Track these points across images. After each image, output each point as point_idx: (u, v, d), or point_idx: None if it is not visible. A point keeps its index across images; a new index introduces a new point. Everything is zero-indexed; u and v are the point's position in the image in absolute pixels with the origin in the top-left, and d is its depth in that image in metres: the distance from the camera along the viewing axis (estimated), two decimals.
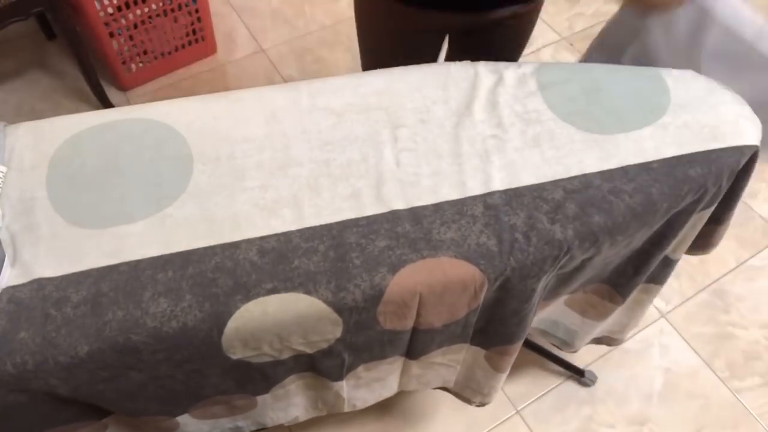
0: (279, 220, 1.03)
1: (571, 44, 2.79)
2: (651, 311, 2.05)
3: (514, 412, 1.85)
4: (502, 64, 1.25)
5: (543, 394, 1.89)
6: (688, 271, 2.15)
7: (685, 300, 2.09)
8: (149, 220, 1.02)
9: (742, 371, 1.95)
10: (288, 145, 1.12)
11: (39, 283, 0.95)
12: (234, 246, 1.00)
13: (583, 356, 1.92)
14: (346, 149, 1.12)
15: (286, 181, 1.08)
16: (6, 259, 0.97)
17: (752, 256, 2.19)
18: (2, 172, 1.06)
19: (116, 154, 1.09)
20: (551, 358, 1.92)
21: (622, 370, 1.94)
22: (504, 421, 1.84)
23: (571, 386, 1.90)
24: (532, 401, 1.88)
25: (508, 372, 1.34)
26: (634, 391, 1.91)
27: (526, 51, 2.75)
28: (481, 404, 1.45)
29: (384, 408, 1.83)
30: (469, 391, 1.42)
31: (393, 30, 1.41)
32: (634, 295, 1.38)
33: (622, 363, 1.95)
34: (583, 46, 2.78)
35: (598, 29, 2.80)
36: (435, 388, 1.43)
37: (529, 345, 1.88)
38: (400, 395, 1.84)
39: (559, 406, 1.87)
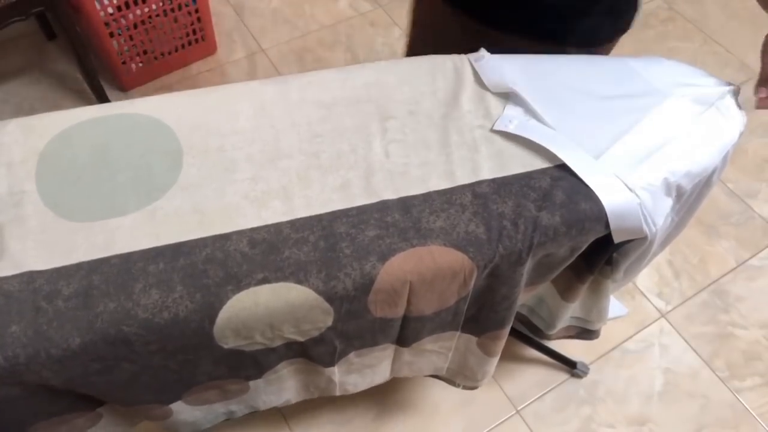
0: (269, 212, 1.04)
1: None
2: (651, 311, 2.05)
3: (514, 412, 1.85)
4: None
5: (543, 394, 1.89)
6: (688, 271, 2.14)
7: (685, 300, 2.08)
8: (140, 213, 1.03)
9: (742, 371, 1.95)
10: (278, 138, 1.13)
11: (29, 276, 0.95)
12: (224, 237, 1.01)
13: (583, 356, 1.92)
14: (335, 141, 1.13)
15: (276, 173, 1.08)
16: None
17: (752, 256, 2.18)
18: None
19: (106, 148, 1.10)
20: (543, 351, 1.92)
21: (622, 370, 1.94)
22: (504, 421, 1.84)
23: (571, 386, 1.90)
24: (532, 401, 1.87)
25: (499, 356, 1.34)
26: (634, 391, 1.91)
27: None
28: (468, 388, 1.46)
29: (383, 408, 1.84)
30: (462, 377, 1.42)
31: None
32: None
33: (622, 363, 1.95)
34: None
35: None
36: (427, 376, 1.43)
37: (522, 338, 1.88)
38: (400, 395, 1.84)
39: (559, 406, 1.87)
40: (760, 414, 1.87)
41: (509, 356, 1.90)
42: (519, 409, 1.86)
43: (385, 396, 1.84)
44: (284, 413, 1.80)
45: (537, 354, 1.93)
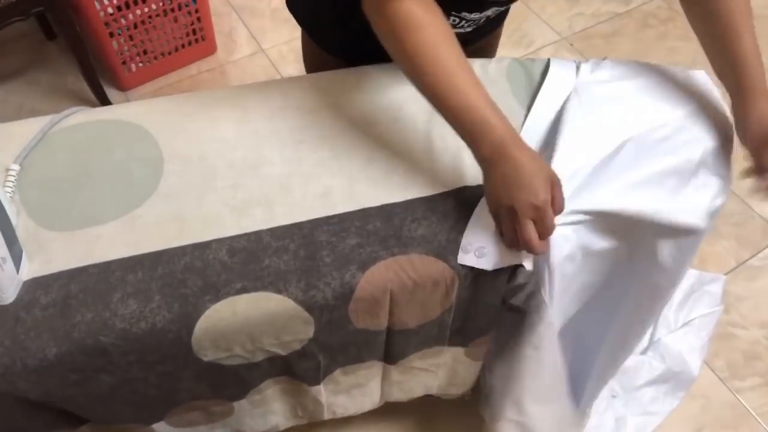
0: (250, 220, 1.03)
1: (571, 44, 2.77)
2: None
3: None
4: (472, 61, 1.24)
5: None
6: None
7: None
8: (119, 221, 1.02)
9: (742, 371, 1.93)
10: (260, 145, 1.12)
11: None
12: (204, 246, 1.00)
13: None
14: (318, 148, 1.12)
15: (257, 181, 1.08)
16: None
17: (752, 256, 2.16)
18: (15, 170, 1.05)
19: (86, 155, 1.09)
20: None
21: None
22: None
23: None
24: None
25: None
26: None
27: (525, 51, 2.74)
28: (469, 396, 1.45)
29: (383, 408, 1.83)
30: (454, 389, 1.41)
31: None
32: None
33: None
34: (583, 46, 2.76)
35: (598, 29, 2.80)
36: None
37: None
38: None
39: None
40: (760, 414, 1.85)
41: None
42: None
43: None
44: None
45: None
